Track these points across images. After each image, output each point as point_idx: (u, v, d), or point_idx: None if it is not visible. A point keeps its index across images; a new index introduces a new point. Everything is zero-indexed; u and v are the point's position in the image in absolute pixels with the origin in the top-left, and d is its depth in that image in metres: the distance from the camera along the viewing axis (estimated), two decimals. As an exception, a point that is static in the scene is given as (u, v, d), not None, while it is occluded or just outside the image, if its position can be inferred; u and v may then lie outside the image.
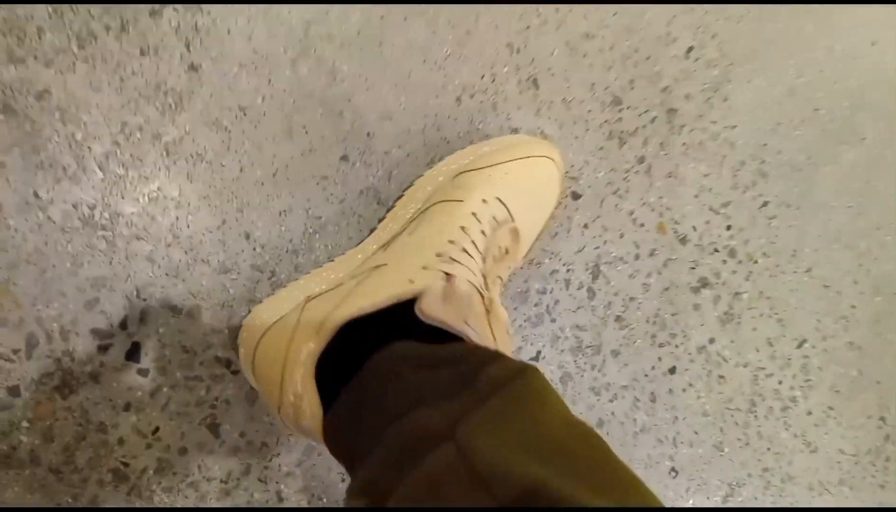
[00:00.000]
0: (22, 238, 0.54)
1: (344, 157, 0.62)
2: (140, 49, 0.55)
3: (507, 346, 0.50)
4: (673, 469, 0.75)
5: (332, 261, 0.58)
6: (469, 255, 0.52)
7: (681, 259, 0.73)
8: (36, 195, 0.54)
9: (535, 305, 0.69)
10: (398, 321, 0.48)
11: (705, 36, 0.72)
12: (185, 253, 0.58)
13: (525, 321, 0.69)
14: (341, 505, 0.40)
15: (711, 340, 0.75)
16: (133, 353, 0.57)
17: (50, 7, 0.53)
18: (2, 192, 0.53)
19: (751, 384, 0.78)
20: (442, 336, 0.45)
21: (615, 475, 0.32)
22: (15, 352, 0.55)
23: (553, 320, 0.69)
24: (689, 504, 0.77)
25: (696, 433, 0.76)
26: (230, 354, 0.59)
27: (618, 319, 0.72)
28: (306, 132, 0.60)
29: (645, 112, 0.70)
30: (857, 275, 0.82)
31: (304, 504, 0.63)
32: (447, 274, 0.49)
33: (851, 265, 0.81)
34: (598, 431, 0.35)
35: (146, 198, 0.57)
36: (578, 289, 0.70)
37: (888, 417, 0.85)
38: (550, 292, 0.69)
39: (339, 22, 0.60)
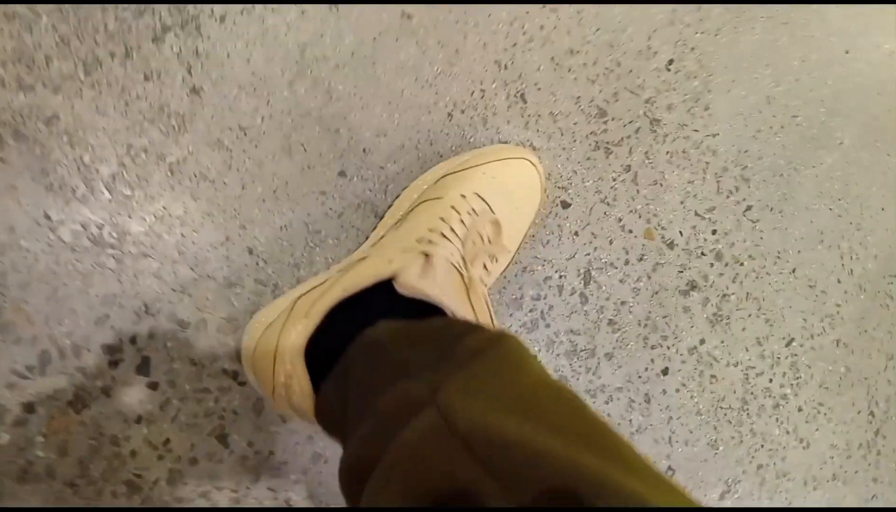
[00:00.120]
0: (34, 258, 0.56)
1: (342, 173, 0.64)
2: (144, 74, 0.58)
3: (486, 318, 0.53)
4: (670, 468, 0.77)
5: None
6: (447, 238, 0.55)
7: (669, 263, 0.76)
8: (47, 216, 0.56)
9: (530, 311, 0.71)
10: (384, 304, 0.50)
11: (685, 49, 0.75)
12: (191, 269, 0.60)
13: (520, 327, 0.71)
14: (341, 495, 0.41)
15: (702, 341, 0.78)
16: (143, 367, 0.59)
17: (57, 36, 0.56)
18: (14, 215, 0.55)
19: (742, 383, 0.80)
20: (425, 315, 0.47)
21: (591, 428, 0.33)
22: (29, 369, 0.56)
23: (548, 326, 0.71)
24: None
25: (691, 432, 0.78)
26: (237, 366, 0.61)
27: (610, 322, 0.74)
28: (305, 150, 0.63)
29: (629, 123, 0.73)
30: (840, 274, 0.84)
31: None
32: (426, 254, 0.52)
33: (835, 265, 0.84)
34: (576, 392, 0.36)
35: (152, 217, 0.59)
36: (571, 294, 0.72)
37: (877, 412, 0.87)
38: (544, 298, 0.71)
39: (334, 44, 0.62)
